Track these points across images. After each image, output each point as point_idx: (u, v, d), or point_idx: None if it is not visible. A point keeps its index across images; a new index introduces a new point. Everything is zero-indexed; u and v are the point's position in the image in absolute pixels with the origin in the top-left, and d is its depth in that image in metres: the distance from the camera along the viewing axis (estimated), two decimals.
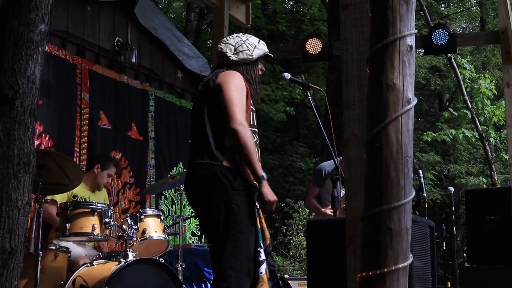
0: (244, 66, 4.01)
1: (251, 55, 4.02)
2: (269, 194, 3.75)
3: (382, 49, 2.65)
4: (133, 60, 7.68)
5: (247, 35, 4.14)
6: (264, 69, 4.18)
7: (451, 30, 8.01)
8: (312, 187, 6.87)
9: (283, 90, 15.59)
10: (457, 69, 12.85)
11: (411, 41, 2.68)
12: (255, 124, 4.00)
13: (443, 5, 21.88)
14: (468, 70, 12.81)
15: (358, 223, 2.75)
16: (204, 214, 3.88)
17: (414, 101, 2.67)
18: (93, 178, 6.09)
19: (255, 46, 4.05)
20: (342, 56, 3.37)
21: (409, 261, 2.61)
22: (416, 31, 2.72)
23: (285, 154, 18.00)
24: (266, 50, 4.12)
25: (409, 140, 2.66)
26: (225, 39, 4.12)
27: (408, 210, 2.62)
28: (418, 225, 4.12)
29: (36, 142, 6.21)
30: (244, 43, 4.03)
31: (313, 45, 8.23)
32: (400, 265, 2.58)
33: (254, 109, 4.03)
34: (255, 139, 3.91)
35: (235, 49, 4.01)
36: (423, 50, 9.20)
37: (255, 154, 3.71)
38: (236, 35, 4.12)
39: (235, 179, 3.75)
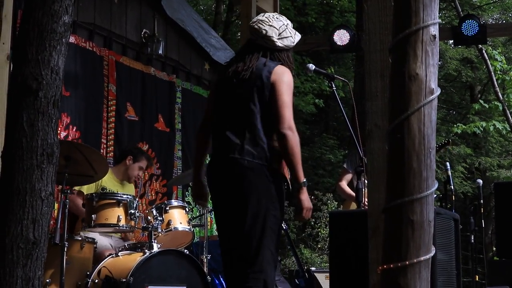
0: (286, 52, 3.90)
1: (293, 42, 3.92)
2: (307, 201, 3.72)
3: (405, 39, 2.62)
4: (160, 52, 7.68)
5: (284, 17, 3.99)
6: None
7: (483, 21, 7.90)
8: (345, 171, 6.70)
9: (312, 82, 15.52)
10: (488, 60, 12.68)
11: (434, 30, 2.65)
12: None
13: None
14: (500, 61, 12.63)
15: (380, 215, 2.72)
16: (240, 207, 3.73)
17: (437, 91, 2.64)
18: (125, 170, 6.13)
19: (295, 33, 3.95)
20: (365, 46, 3.34)
21: (431, 254, 2.58)
22: (439, 20, 2.68)
23: (314, 147, 17.93)
24: (299, 36, 4.02)
25: (432, 131, 2.62)
26: (266, 19, 3.90)
27: (431, 202, 2.59)
28: (442, 217, 4.07)
29: (64, 134, 6.26)
30: (287, 28, 3.90)
31: (341, 37, 8.20)
32: (422, 258, 2.55)
33: None
34: None
35: (279, 34, 3.87)
36: (452, 41, 9.05)
37: (299, 160, 3.66)
38: (276, 17, 3.94)
39: (277, 177, 3.73)
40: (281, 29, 3.87)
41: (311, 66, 4.74)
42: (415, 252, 2.53)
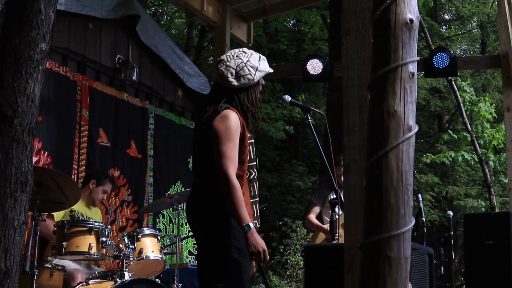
0: (245, 91, 3.82)
1: (253, 79, 3.80)
2: (253, 245, 3.61)
3: (384, 76, 2.65)
4: (134, 77, 7.67)
5: (247, 52, 3.88)
6: (264, 83, 3.97)
7: (452, 53, 7.98)
8: (313, 204, 6.79)
9: (283, 109, 15.58)
10: (457, 91, 12.83)
11: (413, 68, 2.68)
12: (254, 157, 3.92)
13: (444, 27, 21.95)
14: (468, 93, 12.78)
15: (357, 250, 2.73)
16: (205, 239, 3.84)
17: (415, 128, 2.67)
18: (88, 194, 6.06)
19: (256, 69, 3.80)
20: (343, 81, 3.35)
21: None
22: (418, 58, 2.71)
23: (283, 173, 17.95)
24: (268, 69, 3.88)
25: (410, 167, 2.64)
26: (225, 58, 3.84)
27: (408, 238, 2.60)
28: (417, 252, 4.10)
29: (35, 159, 6.19)
30: (246, 65, 3.78)
31: (314, 66, 8.23)
32: None
33: (253, 140, 3.93)
34: (253, 174, 3.86)
35: (236, 73, 3.77)
36: (423, 73, 9.14)
37: (238, 205, 3.61)
38: (236, 53, 3.85)
39: (230, 219, 3.72)
40: (238, 68, 3.79)
41: (287, 98, 4.70)
42: None
